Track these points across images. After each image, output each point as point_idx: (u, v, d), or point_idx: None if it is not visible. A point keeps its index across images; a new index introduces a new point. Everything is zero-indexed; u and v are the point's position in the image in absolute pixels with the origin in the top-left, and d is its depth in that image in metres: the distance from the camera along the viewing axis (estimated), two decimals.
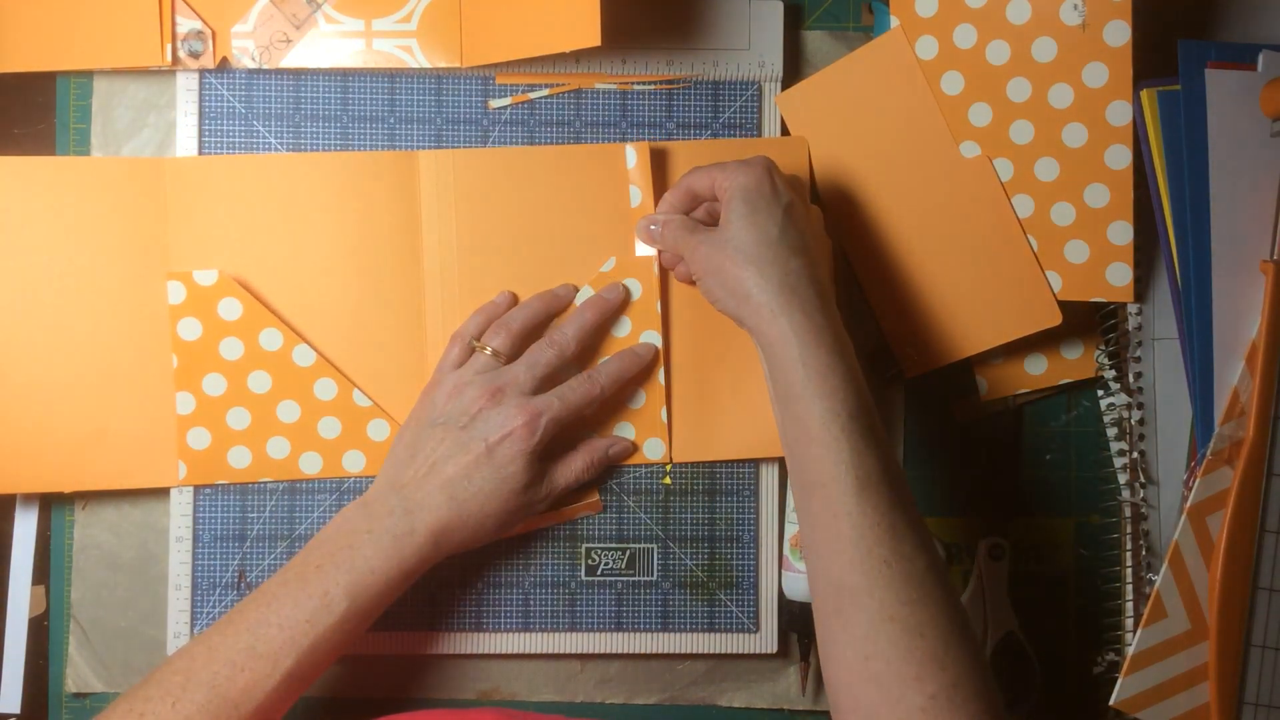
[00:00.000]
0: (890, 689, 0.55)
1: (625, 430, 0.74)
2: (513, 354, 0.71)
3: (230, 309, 0.71)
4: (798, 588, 0.74)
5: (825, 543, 0.59)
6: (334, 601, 0.64)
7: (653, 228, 0.72)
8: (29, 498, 0.75)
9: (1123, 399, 0.75)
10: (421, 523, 0.66)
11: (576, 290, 0.73)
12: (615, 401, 0.73)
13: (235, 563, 0.74)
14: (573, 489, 0.72)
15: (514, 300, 0.73)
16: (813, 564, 0.60)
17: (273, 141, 0.75)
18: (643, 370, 0.73)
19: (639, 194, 0.73)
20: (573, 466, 0.72)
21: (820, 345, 0.62)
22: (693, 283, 0.72)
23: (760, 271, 0.64)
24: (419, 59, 0.74)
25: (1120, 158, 0.72)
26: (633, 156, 0.73)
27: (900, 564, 0.57)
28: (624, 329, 0.73)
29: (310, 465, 0.73)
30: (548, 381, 0.70)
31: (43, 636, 0.75)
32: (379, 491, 0.69)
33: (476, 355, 0.71)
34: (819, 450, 0.60)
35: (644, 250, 0.73)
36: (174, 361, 0.71)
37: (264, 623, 0.63)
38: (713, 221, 0.70)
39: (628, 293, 0.73)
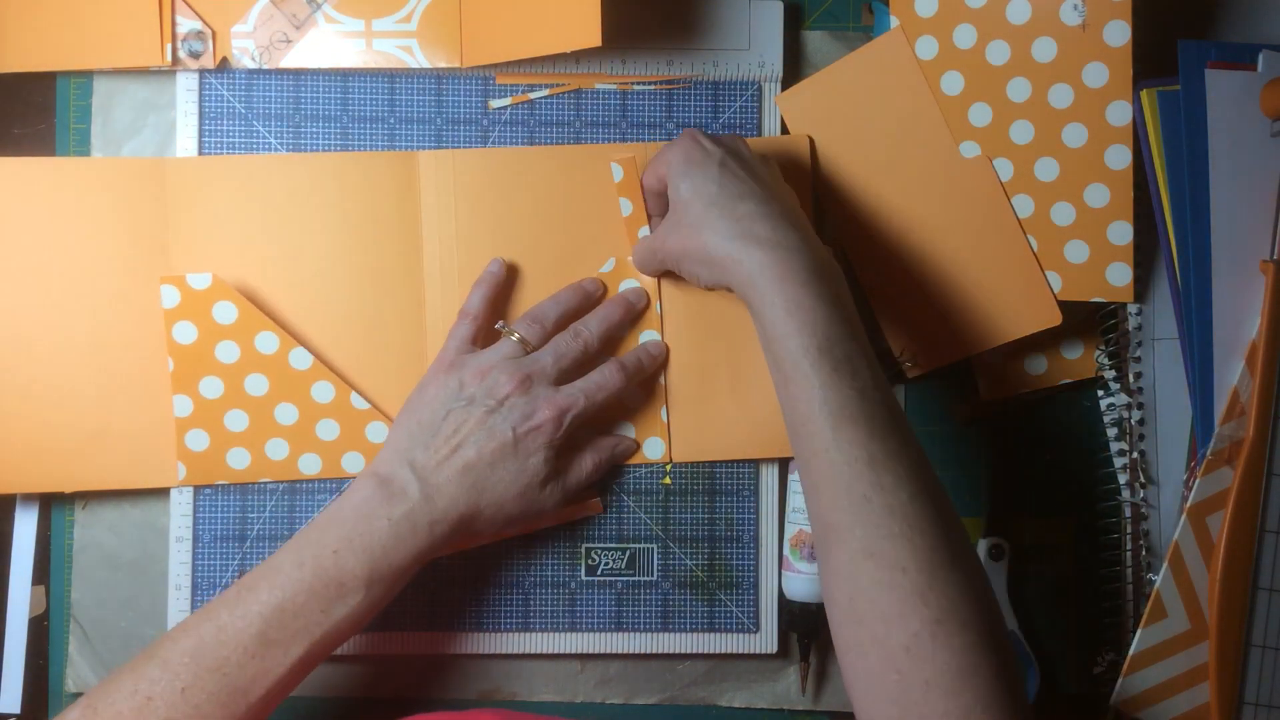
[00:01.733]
0: (874, 628, 0.53)
1: (626, 430, 0.74)
2: (539, 345, 0.71)
3: (225, 313, 0.71)
4: (798, 588, 0.74)
5: (810, 482, 0.58)
6: (351, 592, 0.63)
7: (631, 259, 0.74)
8: (29, 497, 0.75)
9: (1123, 399, 0.75)
10: (442, 512, 0.65)
11: (605, 286, 0.73)
12: (615, 404, 0.73)
13: (235, 563, 0.74)
14: (582, 488, 0.72)
15: (506, 270, 0.73)
16: (807, 505, 0.59)
17: (273, 142, 0.75)
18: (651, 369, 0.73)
19: (629, 205, 0.73)
20: (583, 466, 0.71)
21: (785, 279, 0.60)
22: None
23: (712, 228, 0.64)
24: (419, 59, 0.74)
25: (1120, 158, 0.72)
26: (618, 172, 0.73)
27: (880, 497, 0.55)
28: (624, 329, 0.73)
29: (309, 466, 0.73)
30: (570, 374, 0.70)
31: (43, 636, 0.75)
32: (394, 467, 0.67)
33: (504, 340, 0.70)
34: (794, 389, 0.59)
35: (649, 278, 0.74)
36: (170, 365, 0.71)
37: (278, 609, 0.62)
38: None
39: (650, 298, 0.73)
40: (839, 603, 0.56)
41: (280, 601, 0.62)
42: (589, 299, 0.73)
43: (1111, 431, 0.76)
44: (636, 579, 0.75)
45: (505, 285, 0.74)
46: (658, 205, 0.72)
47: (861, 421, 0.57)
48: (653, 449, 0.74)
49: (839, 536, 0.56)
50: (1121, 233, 0.73)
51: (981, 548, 0.76)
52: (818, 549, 0.58)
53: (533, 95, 0.76)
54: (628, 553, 0.75)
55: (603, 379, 0.70)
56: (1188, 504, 0.71)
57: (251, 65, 0.74)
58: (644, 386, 0.74)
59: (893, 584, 0.53)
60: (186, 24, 0.73)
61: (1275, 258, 0.72)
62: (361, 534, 0.64)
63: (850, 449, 0.56)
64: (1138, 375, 0.75)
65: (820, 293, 0.60)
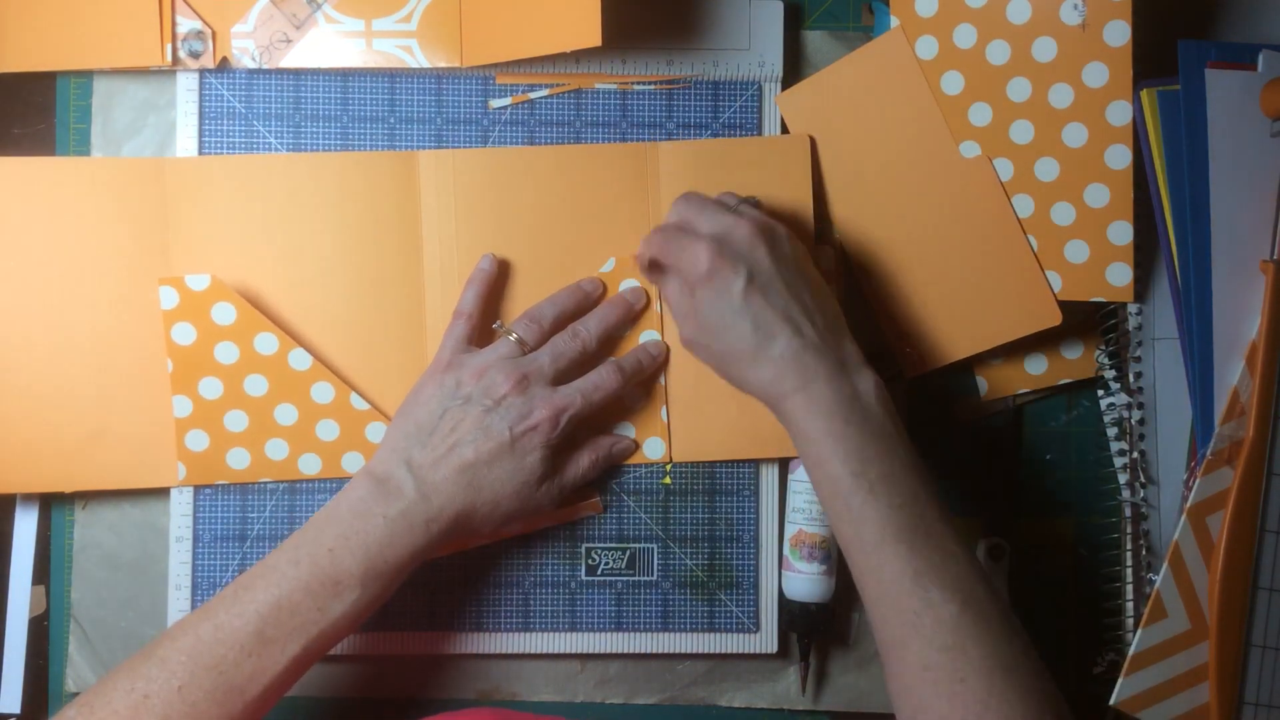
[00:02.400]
0: None
1: (625, 430, 0.74)
2: (536, 345, 0.71)
3: (224, 314, 0.71)
4: (798, 588, 0.74)
5: (866, 599, 0.60)
6: (347, 590, 0.63)
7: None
8: (29, 497, 0.75)
9: (1123, 399, 0.75)
10: (438, 510, 0.65)
11: (604, 286, 0.73)
12: (615, 405, 0.73)
13: (235, 563, 0.74)
14: (578, 487, 0.72)
15: (497, 266, 0.73)
16: (869, 616, 0.61)
17: (273, 142, 0.75)
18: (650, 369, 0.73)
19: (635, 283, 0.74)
20: (579, 464, 0.71)
21: (819, 414, 0.62)
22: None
23: (742, 368, 0.65)
24: (419, 59, 0.74)
25: (1120, 158, 0.72)
26: (610, 263, 0.73)
27: (930, 612, 0.57)
28: (624, 329, 0.73)
29: (309, 466, 0.73)
30: (568, 374, 0.70)
31: (43, 636, 0.75)
32: (390, 466, 0.67)
33: (501, 340, 0.70)
34: (837, 510, 0.61)
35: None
36: (169, 366, 0.71)
37: (275, 607, 0.61)
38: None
39: (649, 298, 0.73)
40: (905, 713, 0.58)
41: (277, 599, 0.62)
42: (587, 299, 0.73)
43: (1111, 431, 0.76)
44: (636, 579, 0.75)
45: (501, 283, 0.74)
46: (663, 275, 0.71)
47: (904, 537, 0.58)
48: (653, 449, 0.74)
49: (897, 652, 0.58)
50: (1121, 232, 0.73)
51: (981, 549, 0.76)
52: (883, 660, 0.59)
53: (533, 95, 0.76)
54: (628, 552, 0.75)
55: (600, 379, 0.70)
56: (1188, 504, 0.71)
57: (251, 65, 0.74)
58: (644, 386, 0.74)
59: (953, 695, 0.55)
60: (186, 24, 0.73)
61: (1275, 257, 0.72)
62: (357, 532, 0.64)
63: (895, 565, 0.58)
64: (1138, 375, 0.75)
65: (852, 417, 0.61)
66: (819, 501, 0.63)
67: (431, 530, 0.65)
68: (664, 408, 0.74)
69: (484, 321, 0.72)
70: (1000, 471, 0.77)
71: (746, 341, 0.64)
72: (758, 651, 0.75)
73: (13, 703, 0.74)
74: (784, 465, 0.76)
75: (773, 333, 0.64)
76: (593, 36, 0.70)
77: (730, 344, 0.65)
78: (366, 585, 0.63)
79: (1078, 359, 0.77)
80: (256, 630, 0.61)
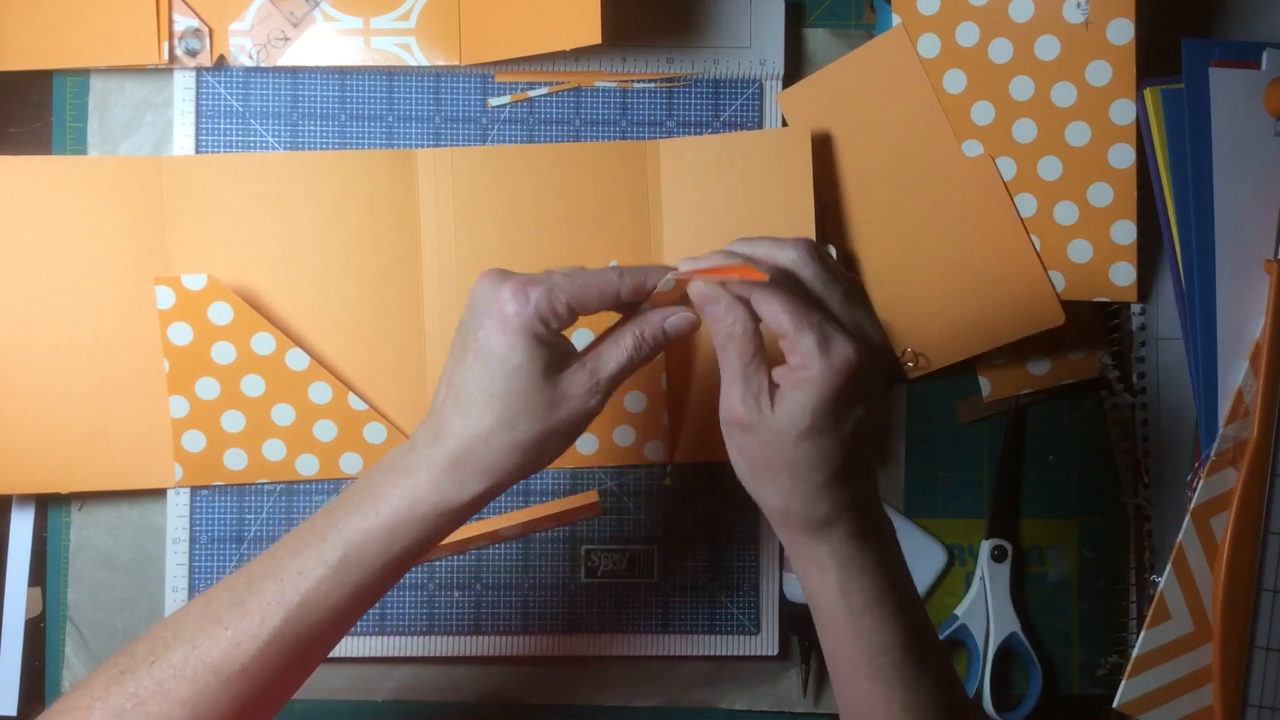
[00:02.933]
0: None
1: (625, 434, 0.74)
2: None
3: (220, 313, 0.70)
4: (799, 590, 0.73)
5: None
6: (329, 547, 0.53)
7: (713, 309, 0.55)
8: (25, 498, 0.75)
9: (1126, 399, 0.75)
10: (439, 451, 0.54)
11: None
12: (615, 406, 0.73)
13: (232, 564, 0.74)
14: (626, 375, 0.56)
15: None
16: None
17: (270, 140, 0.75)
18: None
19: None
20: (621, 345, 0.56)
21: (856, 573, 0.54)
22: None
23: (806, 503, 0.53)
24: (417, 57, 0.73)
25: (1123, 157, 0.72)
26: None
27: None
28: None
29: (307, 467, 0.73)
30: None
31: (39, 638, 0.75)
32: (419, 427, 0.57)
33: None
34: (830, 638, 0.56)
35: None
36: (165, 366, 0.71)
37: (260, 574, 0.53)
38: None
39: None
40: None
41: (263, 566, 0.54)
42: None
43: (1115, 432, 0.76)
44: (636, 581, 0.75)
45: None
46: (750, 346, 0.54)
47: (889, 669, 0.54)
48: (653, 450, 0.74)
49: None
50: (1125, 232, 0.72)
51: (984, 549, 0.75)
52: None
53: (532, 93, 0.75)
54: (627, 554, 0.75)
55: (595, 272, 0.56)
56: (1191, 505, 0.71)
57: (249, 63, 0.73)
58: (645, 389, 0.73)
59: None
60: (184, 22, 0.73)
61: (1279, 257, 0.72)
62: (360, 489, 0.55)
63: (884, 692, 0.54)
64: (1141, 375, 0.75)
65: (885, 590, 0.55)
66: (829, 660, 0.57)
67: (432, 475, 0.53)
68: (665, 411, 0.73)
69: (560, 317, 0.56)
70: (1004, 472, 0.77)
71: (817, 469, 0.52)
72: (758, 654, 0.75)
73: (9, 705, 0.74)
74: None
75: (850, 473, 0.53)
76: (592, 34, 0.69)
77: (795, 459, 0.52)
78: (353, 544, 0.53)
79: (1081, 359, 0.76)
80: (235, 599, 0.53)
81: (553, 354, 0.54)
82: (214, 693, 0.52)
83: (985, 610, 0.75)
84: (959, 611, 0.76)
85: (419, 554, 0.55)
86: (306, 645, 0.54)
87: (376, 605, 0.73)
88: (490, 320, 0.54)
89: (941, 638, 0.74)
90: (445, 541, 0.73)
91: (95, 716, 0.52)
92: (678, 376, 0.74)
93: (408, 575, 0.73)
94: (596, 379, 0.55)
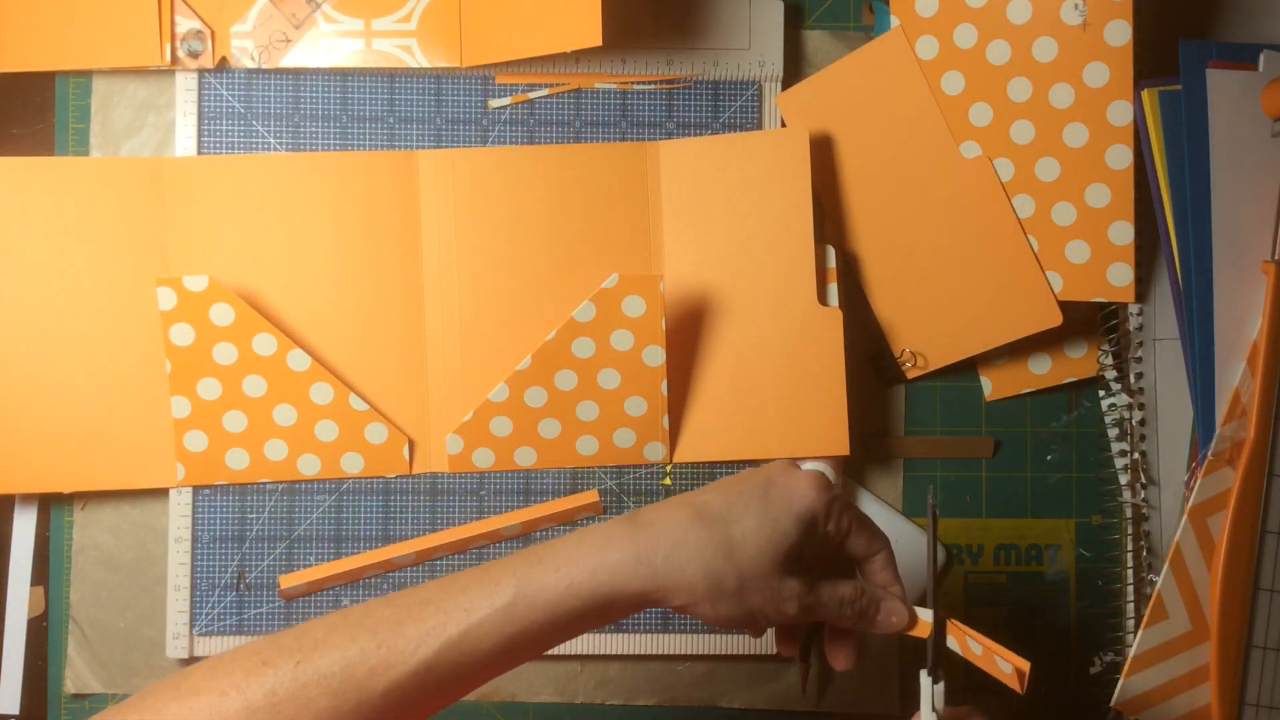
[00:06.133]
0: None
1: (625, 436, 0.74)
2: None
3: (222, 314, 0.71)
4: None
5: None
6: (502, 590, 0.52)
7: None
8: (28, 498, 0.75)
9: (1124, 399, 0.75)
10: (646, 535, 0.54)
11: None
12: (616, 409, 0.73)
13: (234, 563, 0.74)
14: (826, 616, 0.58)
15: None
16: None
17: (272, 141, 0.75)
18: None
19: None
20: (843, 590, 0.57)
21: None
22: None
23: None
24: (418, 59, 0.74)
25: (1121, 158, 0.72)
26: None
27: None
28: (626, 343, 0.72)
29: (308, 467, 0.73)
30: None
31: (41, 637, 0.75)
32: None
33: None
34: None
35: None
36: (167, 367, 0.71)
37: (424, 601, 0.52)
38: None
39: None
40: None
41: (432, 594, 0.53)
42: None
43: (1113, 432, 0.76)
44: None
45: (500, 282, 0.73)
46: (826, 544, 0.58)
47: None
48: (653, 451, 0.74)
49: None
50: (1122, 233, 0.73)
51: (938, 692, 0.59)
52: None
53: (532, 95, 0.76)
54: None
55: (883, 540, 0.59)
56: (1189, 505, 0.71)
57: (251, 65, 0.74)
58: (645, 393, 0.73)
59: None
60: (185, 23, 0.73)
61: (1276, 258, 0.72)
62: (547, 545, 0.55)
63: None
64: (1139, 375, 0.75)
65: None
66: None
67: (620, 557, 0.53)
68: (664, 416, 0.73)
69: None
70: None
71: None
72: (758, 653, 0.75)
73: (11, 703, 0.74)
74: None
75: None
76: (593, 36, 0.69)
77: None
78: (523, 593, 0.52)
79: (1081, 358, 0.77)
80: (395, 618, 0.52)
81: (805, 547, 0.56)
82: (350, 710, 0.50)
83: None
84: None
85: (580, 627, 0.54)
86: (453, 681, 0.53)
87: None
88: (791, 482, 0.56)
89: None
90: (445, 541, 0.74)
91: (232, 705, 0.49)
92: (677, 380, 0.74)
93: (408, 574, 0.73)
94: (808, 598, 0.56)
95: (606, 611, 0.54)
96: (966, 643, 0.58)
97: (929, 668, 0.56)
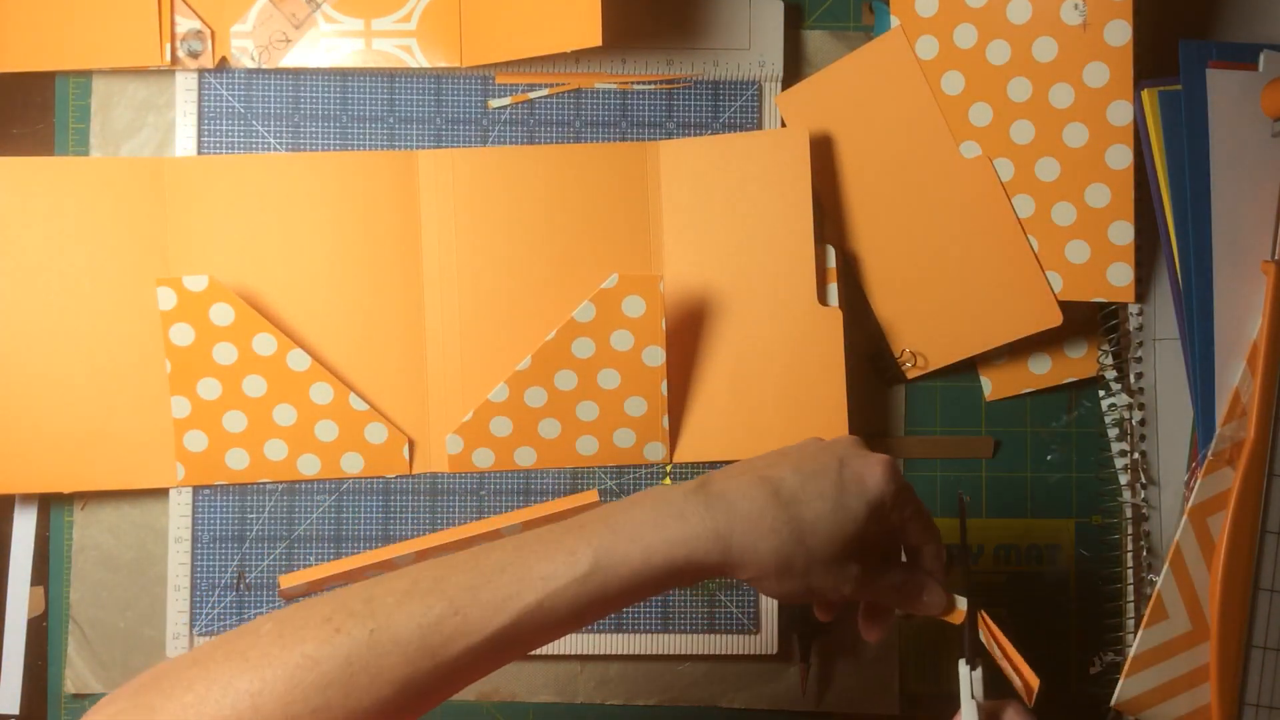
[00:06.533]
0: None
1: (625, 436, 0.74)
2: None
3: (222, 314, 0.71)
4: None
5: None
6: (580, 559, 0.52)
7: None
8: (28, 498, 0.75)
9: (1124, 399, 0.75)
10: (724, 507, 0.54)
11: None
12: (616, 410, 0.73)
13: (234, 563, 0.74)
14: (878, 597, 0.59)
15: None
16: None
17: (272, 141, 0.75)
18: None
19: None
20: (894, 576, 0.59)
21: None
22: None
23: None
24: (418, 59, 0.74)
25: (1121, 158, 0.72)
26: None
27: None
28: (626, 343, 0.72)
29: (308, 467, 0.73)
30: None
31: (41, 637, 0.75)
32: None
33: None
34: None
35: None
36: (167, 367, 0.71)
37: (499, 567, 0.51)
38: None
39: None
40: None
41: (507, 559, 0.52)
42: None
43: (1113, 432, 0.76)
44: None
45: (500, 282, 0.73)
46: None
47: None
48: (653, 451, 0.74)
49: None
50: (1122, 233, 0.73)
51: (976, 677, 0.61)
52: None
53: (532, 95, 0.76)
54: None
55: (934, 530, 0.60)
56: (1189, 505, 0.71)
57: (251, 65, 0.74)
58: (645, 394, 0.73)
59: None
60: (186, 23, 0.73)
61: (1276, 258, 0.72)
62: (622, 510, 0.54)
63: None
64: (1139, 375, 0.75)
65: None
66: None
67: (694, 528, 0.53)
68: (664, 416, 0.74)
69: None
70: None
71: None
72: (758, 653, 0.75)
73: (11, 703, 0.74)
74: None
75: None
76: (593, 36, 0.69)
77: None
78: (602, 566, 0.52)
79: (1082, 358, 0.77)
80: (471, 585, 0.51)
81: (870, 531, 0.56)
82: (425, 674, 0.50)
83: None
84: None
85: (648, 592, 0.54)
86: (520, 646, 0.53)
87: None
88: (865, 466, 0.56)
89: None
90: (445, 541, 0.74)
91: (308, 677, 0.48)
92: (677, 380, 0.74)
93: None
94: (866, 585, 0.57)
95: (679, 579, 0.54)
96: (991, 644, 0.60)
97: (966, 656, 0.58)
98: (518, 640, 0.52)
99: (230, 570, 0.74)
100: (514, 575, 0.52)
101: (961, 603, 0.60)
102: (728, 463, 0.75)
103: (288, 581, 0.73)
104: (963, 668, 0.58)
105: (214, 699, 0.47)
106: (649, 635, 0.75)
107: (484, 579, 0.51)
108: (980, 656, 0.58)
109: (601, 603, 0.53)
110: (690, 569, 0.54)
